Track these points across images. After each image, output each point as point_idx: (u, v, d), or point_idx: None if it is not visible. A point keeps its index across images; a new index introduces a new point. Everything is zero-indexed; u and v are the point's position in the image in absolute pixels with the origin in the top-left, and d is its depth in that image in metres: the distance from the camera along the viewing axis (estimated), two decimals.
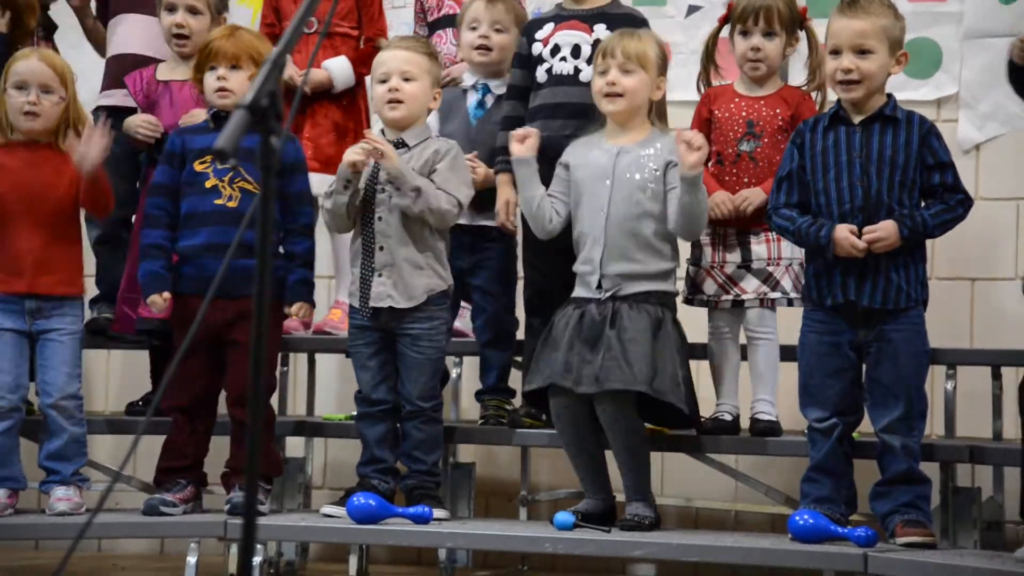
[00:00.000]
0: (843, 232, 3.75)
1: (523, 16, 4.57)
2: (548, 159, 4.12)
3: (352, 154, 4.04)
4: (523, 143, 4.04)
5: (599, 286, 3.96)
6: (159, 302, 4.13)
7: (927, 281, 3.87)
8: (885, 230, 3.73)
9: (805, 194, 3.87)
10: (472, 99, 4.51)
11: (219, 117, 4.22)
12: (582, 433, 3.99)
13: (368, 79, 4.62)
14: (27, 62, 4.23)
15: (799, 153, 3.89)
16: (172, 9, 4.67)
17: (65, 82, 4.23)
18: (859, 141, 3.81)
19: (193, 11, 4.67)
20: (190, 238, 4.19)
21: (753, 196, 4.12)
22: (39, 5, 4.79)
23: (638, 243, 3.96)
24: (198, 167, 4.19)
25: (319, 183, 4.47)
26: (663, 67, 4.05)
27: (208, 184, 4.16)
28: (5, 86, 4.22)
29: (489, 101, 4.50)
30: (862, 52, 3.77)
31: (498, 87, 4.51)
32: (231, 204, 4.15)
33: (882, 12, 3.80)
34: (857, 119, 3.83)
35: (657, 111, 4.07)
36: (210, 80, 4.20)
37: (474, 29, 4.50)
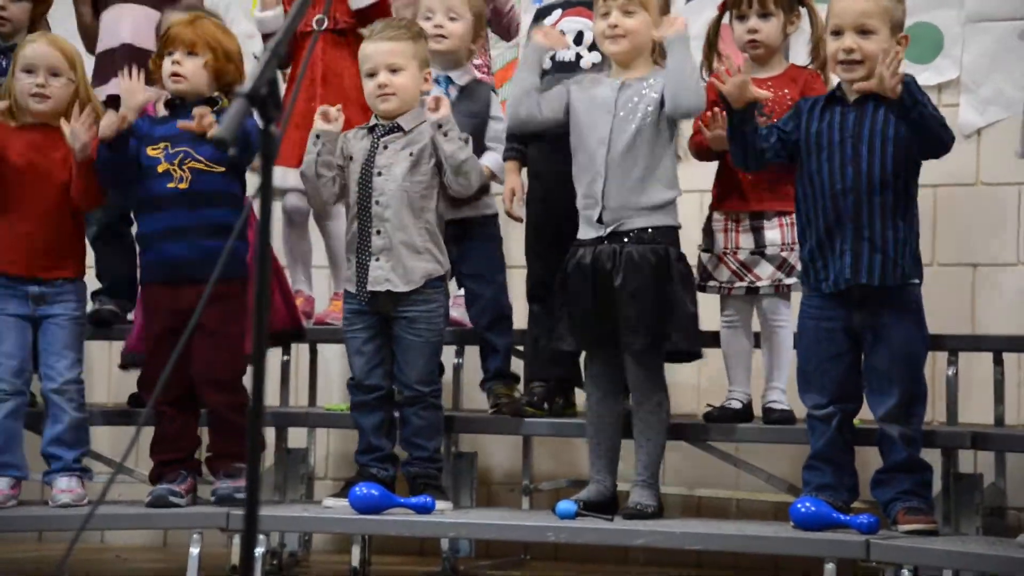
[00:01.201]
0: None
1: (478, 3, 4.55)
2: (551, 144, 4.13)
3: (319, 120, 4.06)
4: (549, 38, 4.05)
5: (600, 219, 3.94)
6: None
7: (920, 256, 3.85)
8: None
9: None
10: (435, 93, 4.39)
11: (173, 105, 4.20)
12: (608, 403, 3.99)
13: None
14: (35, 46, 4.25)
15: (795, 126, 3.86)
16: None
17: (74, 65, 4.25)
18: (852, 121, 3.80)
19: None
20: (148, 224, 4.19)
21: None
22: None
23: (640, 174, 3.93)
24: (151, 152, 4.17)
25: None
26: (665, 6, 4.03)
27: (160, 169, 4.15)
28: (14, 70, 4.22)
29: (453, 93, 4.45)
30: (864, 32, 3.76)
31: (460, 77, 4.48)
32: (183, 186, 4.13)
33: None
34: (853, 97, 3.81)
35: (661, 50, 4.03)
36: (165, 65, 4.19)
37: (428, 19, 4.47)
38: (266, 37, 4.99)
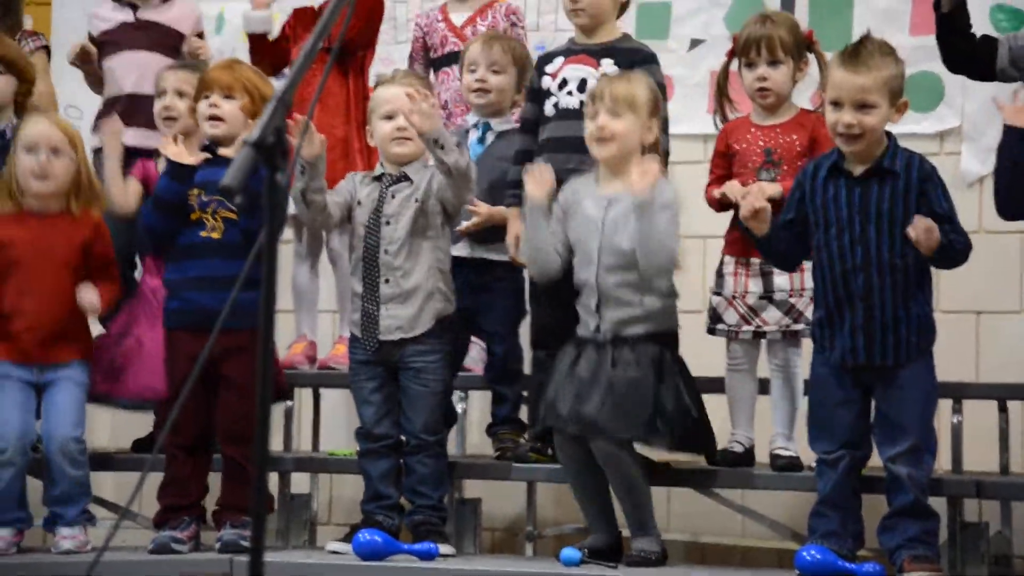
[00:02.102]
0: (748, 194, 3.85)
1: (522, 55, 4.57)
2: (554, 192, 4.13)
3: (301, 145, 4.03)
4: (540, 185, 3.96)
5: (597, 329, 3.95)
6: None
7: (934, 323, 3.84)
8: (929, 225, 3.67)
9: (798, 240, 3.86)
10: (473, 137, 4.51)
11: (209, 152, 4.23)
12: (584, 470, 3.98)
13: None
14: (37, 125, 4.27)
15: (799, 204, 3.85)
16: (162, 94, 4.63)
17: (75, 145, 4.27)
18: (859, 197, 3.77)
19: (181, 94, 4.59)
20: (177, 271, 4.20)
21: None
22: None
23: (631, 288, 3.93)
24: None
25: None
26: (655, 108, 4.00)
27: (193, 217, 4.17)
28: (15, 150, 4.24)
29: (489, 138, 4.51)
30: (863, 107, 3.73)
31: (499, 124, 4.52)
32: (215, 235, 4.16)
33: (884, 64, 3.75)
34: (857, 170, 3.79)
35: (652, 153, 4.00)
36: (202, 108, 4.22)
37: (472, 71, 4.51)
38: (251, 36, 5.04)
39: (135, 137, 4.82)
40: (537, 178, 3.97)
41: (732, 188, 4.12)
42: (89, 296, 4.17)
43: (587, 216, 3.98)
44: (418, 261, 4.09)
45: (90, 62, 5.06)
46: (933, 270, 3.87)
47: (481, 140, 4.53)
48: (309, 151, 4.00)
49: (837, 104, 3.75)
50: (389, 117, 4.13)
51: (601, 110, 3.94)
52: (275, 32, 5.11)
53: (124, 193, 4.42)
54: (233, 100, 4.20)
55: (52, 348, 4.21)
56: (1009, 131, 3.81)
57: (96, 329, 4.48)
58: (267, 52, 5.04)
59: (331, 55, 4.74)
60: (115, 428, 5.41)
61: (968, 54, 4.04)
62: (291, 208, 4.56)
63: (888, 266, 3.75)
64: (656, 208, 3.82)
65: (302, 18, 5.14)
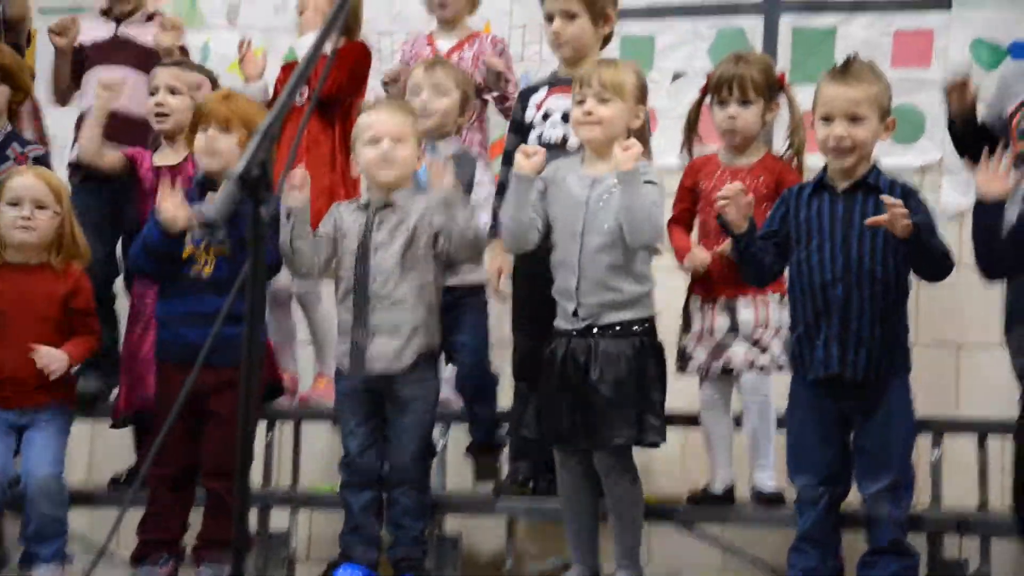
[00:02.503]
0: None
1: (464, 80, 4.59)
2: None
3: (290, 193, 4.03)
4: (531, 159, 3.96)
5: (575, 313, 3.93)
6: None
7: (909, 347, 3.85)
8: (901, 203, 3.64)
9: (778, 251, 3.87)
10: (435, 160, 4.47)
11: (203, 185, 4.22)
12: (580, 489, 3.97)
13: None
14: (22, 178, 4.29)
15: (783, 220, 3.88)
16: (154, 92, 4.69)
17: (60, 198, 4.28)
18: (842, 209, 3.80)
19: (173, 91, 4.67)
20: (168, 308, 4.19)
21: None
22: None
23: (613, 270, 3.91)
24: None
25: None
26: (642, 96, 4.02)
27: (185, 254, 4.15)
28: None
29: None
30: (854, 119, 3.77)
31: (445, 147, 4.51)
32: (206, 271, 4.14)
33: (873, 79, 3.81)
34: (841, 185, 3.82)
35: (637, 140, 3.99)
36: (199, 140, 4.21)
37: (416, 95, 4.53)
38: None
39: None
40: (529, 151, 3.97)
41: (696, 259, 4.15)
42: (46, 360, 4.16)
43: (571, 194, 3.98)
44: (408, 293, 4.08)
45: (67, 37, 5.02)
46: (913, 301, 3.87)
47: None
48: (295, 199, 4.01)
49: (828, 119, 3.78)
50: (375, 142, 4.13)
51: (588, 95, 3.95)
52: (270, 93, 5.06)
53: (98, 150, 4.52)
54: (230, 134, 4.18)
55: (32, 396, 4.22)
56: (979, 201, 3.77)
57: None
58: None
59: (310, 104, 4.73)
60: (92, 465, 5.38)
61: (979, 142, 4.07)
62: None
63: (868, 277, 3.75)
64: (640, 180, 3.83)
65: (290, 71, 5.12)
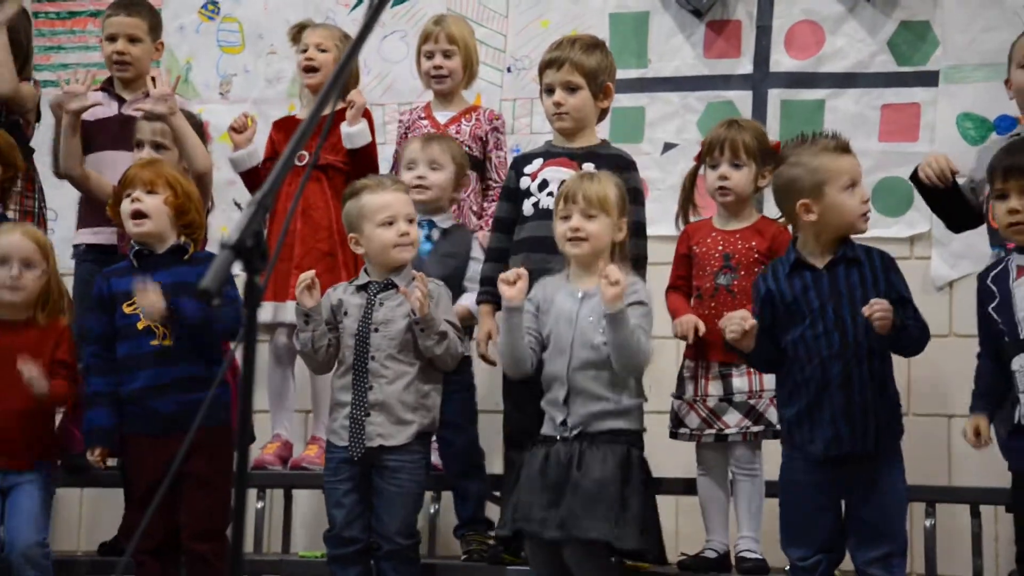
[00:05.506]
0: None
1: (460, 154, 4.63)
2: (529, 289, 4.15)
3: (303, 295, 4.03)
4: (514, 286, 3.96)
5: (564, 423, 3.93)
6: (94, 458, 4.11)
7: (901, 417, 3.86)
8: (887, 306, 3.68)
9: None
10: (421, 234, 4.46)
11: (141, 256, 4.17)
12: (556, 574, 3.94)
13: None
14: (9, 237, 4.27)
15: (770, 309, 3.85)
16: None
17: (47, 256, 4.27)
18: (827, 284, 3.80)
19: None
20: (130, 382, 4.13)
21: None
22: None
23: (602, 383, 3.92)
24: (127, 310, 4.14)
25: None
26: (623, 208, 4.04)
27: (140, 326, 4.11)
28: None
29: (436, 235, 4.54)
30: (855, 186, 3.81)
31: (442, 221, 4.56)
32: (167, 343, 4.10)
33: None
34: (820, 262, 3.83)
35: (619, 251, 4.05)
36: (124, 205, 4.15)
37: (411, 169, 4.56)
38: (243, 175, 5.05)
39: (108, 236, 4.83)
40: (511, 279, 3.97)
41: (684, 325, 4.16)
42: (28, 373, 4.10)
43: (561, 309, 3.99)
44: (405, 372, 4.09)
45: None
46: (905, 372, 3.88)
47: (428, 238, 4.56)
48: (309, 301, 4.03)
49: (853, 186, 3.80)
50: (389, 223, 4.14)
51: (574, 211, 3.97)
52: (260, 156, 5.09)
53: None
54: (156, 195, 4.14)
55: (15, 455, 4.19)
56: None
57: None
58: (261, 180, 5.03)
59: (307, 168, 4.76)
60: (83, 531, 5.35)
61: (966, 215, 4.27)
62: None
63: (866, 350, 3.75)
64: (627, 318, 3.84)
65: (282, 127, 5.16)
